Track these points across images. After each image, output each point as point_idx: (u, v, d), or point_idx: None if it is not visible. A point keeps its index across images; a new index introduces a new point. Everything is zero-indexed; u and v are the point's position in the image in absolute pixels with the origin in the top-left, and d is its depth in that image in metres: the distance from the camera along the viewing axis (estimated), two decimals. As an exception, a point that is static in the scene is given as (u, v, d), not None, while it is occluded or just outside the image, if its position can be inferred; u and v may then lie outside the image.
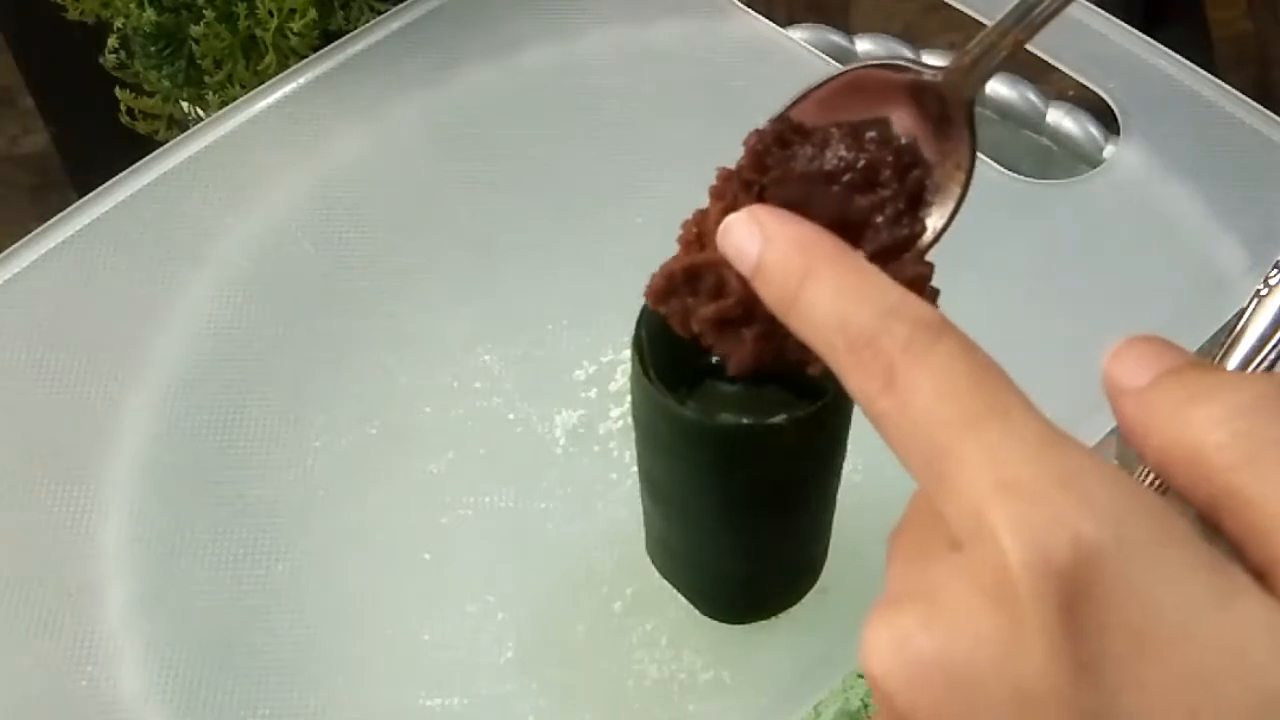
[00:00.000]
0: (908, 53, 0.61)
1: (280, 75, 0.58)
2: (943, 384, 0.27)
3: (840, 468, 0.37)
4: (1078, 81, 0.55)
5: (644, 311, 0.34)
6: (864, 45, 0.61)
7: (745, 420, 0.33)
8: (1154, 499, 0.25)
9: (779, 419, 0.32)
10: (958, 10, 0.56)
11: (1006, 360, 0.51)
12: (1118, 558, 0.24)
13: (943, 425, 0.26)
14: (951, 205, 0.30)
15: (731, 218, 0.29)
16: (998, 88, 0.59)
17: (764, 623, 0.41)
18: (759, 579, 0.40)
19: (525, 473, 0.46)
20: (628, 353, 0.47)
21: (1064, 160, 0.58)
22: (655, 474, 0.37)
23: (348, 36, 0.59)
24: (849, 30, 0.62)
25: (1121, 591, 0.24)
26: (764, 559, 0.39)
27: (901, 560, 0.27)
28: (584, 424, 0.47)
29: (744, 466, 0.34)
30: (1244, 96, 0.54)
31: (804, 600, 0.41)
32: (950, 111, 0.31)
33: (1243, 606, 0.24)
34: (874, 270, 0.28)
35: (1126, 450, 0.60)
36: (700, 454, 0.34)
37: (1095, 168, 0.54)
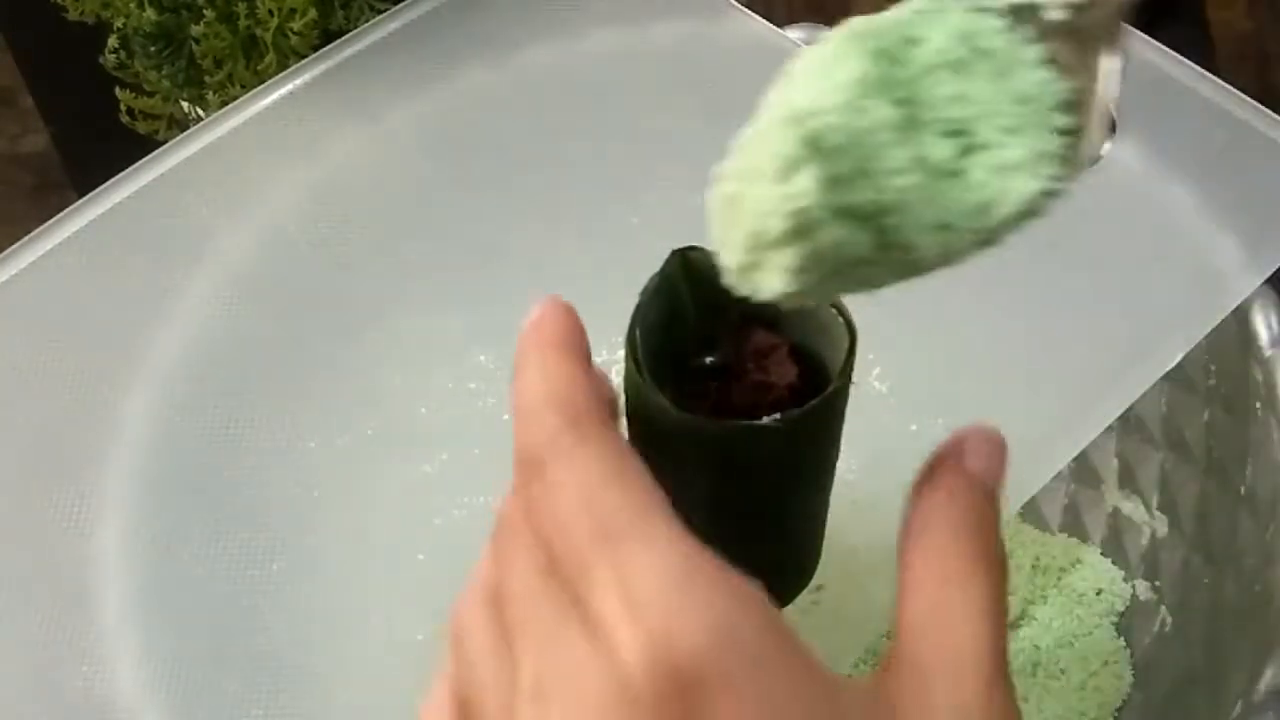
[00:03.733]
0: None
1: (280, 75, 0.58)
2: (586, 489, 0.29)
3: (834, 466, 0.37)
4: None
5: (638, 309, 0.34)
6: (862, 44, 0.61)
7: (739, 419, 0.33)
8: (772, 612, 0.29)
9: (772, 418, 0.32)
10: (957, 10, 0.56)
11: (1003, 360, 0.51)
12: (741, 669, 0.27)
13: (582, 533, 0.29)
14: None
15: None
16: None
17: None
18: (753, 578, 0.40)
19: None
20: (622, 353, 0.47)
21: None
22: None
23: (347, 36, 0.59)
24: (848, 30, 0.62)
25: (747, 702, 0.27)
26: (758, 558, 0.39)
27: (525, 628, 0.30)
28: (580, 424, 0.47)
29: (738, 465, 0.34)
30: (1244, 96, 0.54)
31: (798, 600, 0.41)
32: None
33: (846, 696, 0.29)
34: (570, 361, 0.32)
35: (1128, 445, 0.60)
36: (694, 452, 0.34)
37: (1093, 165, 0.54)
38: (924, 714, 0.30)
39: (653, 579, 0.28)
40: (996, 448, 0.33)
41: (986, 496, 0.32)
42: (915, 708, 0.30)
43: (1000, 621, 0.30)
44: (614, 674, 0.27)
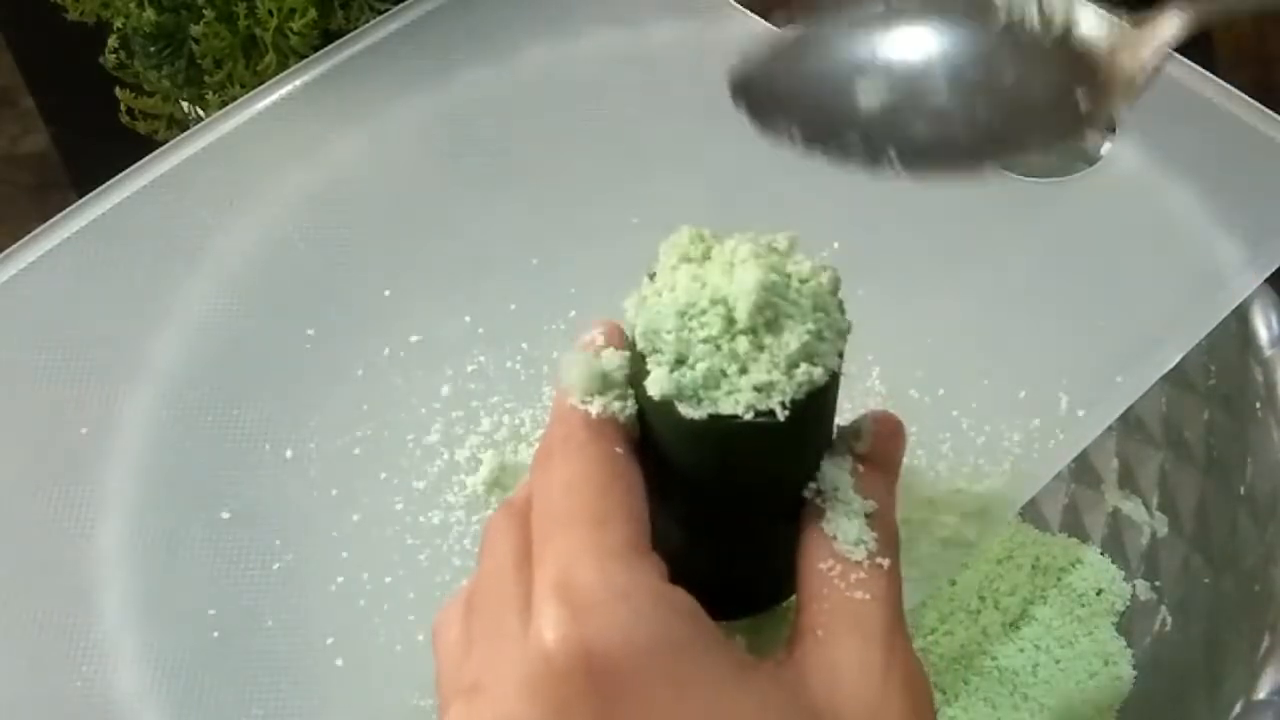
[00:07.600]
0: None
1: (280, 75, 0.58)
2: (571, 481, 0.32)
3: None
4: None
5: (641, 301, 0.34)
6: (862, 45, 0.61)
7: (733, 415, 0.33)
8: (693, 606, 0.31)
9: (766, 409, 0.32)
10: (956, 10, 0.56)
11: (1003, 361, 0.51)
12: (651, 666, 0.29)
13: (552, 515, 0.31)
14: None
15: None
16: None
17: (755, 618, 0.41)
18: (753, 575, 0.40)
19: (521, 474, 0.46)
20: (622, 353, 0.47)
21: (1062, 158, 0.58)
22: (648, 472, 0.37)
23: (347, 36, 0.59)
24: (848, 30, 0.61)
25: (659, 682, 0.29)
26: (758, 555, 0.39)
27: (483, 619, 0.32)
28: (580, 424, 0.47)
29: (738, 460, 0.34)
30: (1244, 96, 0.54)
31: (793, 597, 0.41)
32: None
33: (754, 680, 0.30)
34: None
35: (1128, 445, 0.60)
36: (694, 451, 0.34)
37: (1092, 165, 0.54)
38: (830, 673, 0.31)
39: (590, 568, 0.30)
40: (895, 428, 0.35)
41: (883, 472, 0.35)
42: (820, 669, 0.31)
43: (893, 578, 0.33)
44: (532, 647, 0.29)
